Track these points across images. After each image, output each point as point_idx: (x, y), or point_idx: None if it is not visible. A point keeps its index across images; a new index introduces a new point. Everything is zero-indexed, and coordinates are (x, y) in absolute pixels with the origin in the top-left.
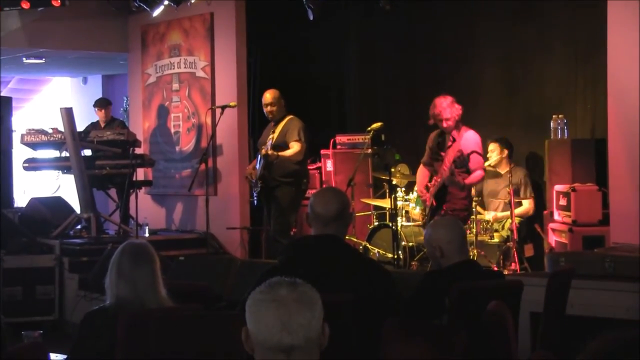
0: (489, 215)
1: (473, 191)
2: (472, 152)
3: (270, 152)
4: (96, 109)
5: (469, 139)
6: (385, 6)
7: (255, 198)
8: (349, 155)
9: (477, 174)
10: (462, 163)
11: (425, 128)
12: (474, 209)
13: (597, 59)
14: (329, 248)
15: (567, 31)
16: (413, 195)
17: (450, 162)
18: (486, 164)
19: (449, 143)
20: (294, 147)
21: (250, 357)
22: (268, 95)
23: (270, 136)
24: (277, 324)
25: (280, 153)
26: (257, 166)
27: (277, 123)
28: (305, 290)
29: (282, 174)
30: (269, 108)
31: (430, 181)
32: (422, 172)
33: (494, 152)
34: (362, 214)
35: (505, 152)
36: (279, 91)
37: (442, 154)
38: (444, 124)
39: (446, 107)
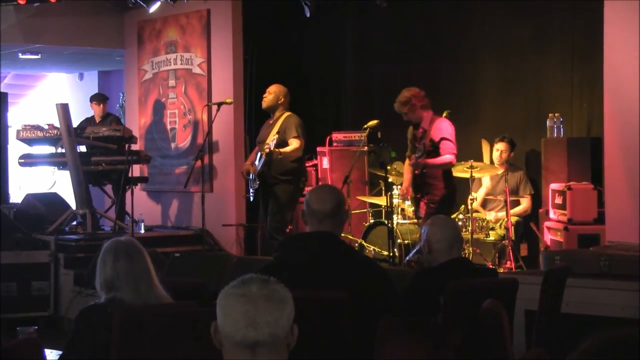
0: (489, 216)
1: (476, 195)
2: (442, 138)
3: (273, 149)
4: (93, 103)
5: (440, 127)
6: (382, 3)
7: (251, 194)
8: (345, 152)
9: (445, 158)
10: (421, 154)
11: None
12: (470, 209)
13: (593, 57)
14: (324, 245)
15: (563, 30)
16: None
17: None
18: (493, 162)
19: (420, 134)
20: (294, 144)
21: None
22: (272, 85)
23: (275, 135)
24: (243, 318)
25: (281, 150)
26: (256, 162)
27: (275, 120)
28: (276, 289)
29: (281, 171)
30: (265, 94)
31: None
32: (407, 168)
33: (505, 151)
34: (358, 211)
35: (512, 154)
36: (286, 90)
37: (418, 145)
38: (405, 118)
39: (399, 106)
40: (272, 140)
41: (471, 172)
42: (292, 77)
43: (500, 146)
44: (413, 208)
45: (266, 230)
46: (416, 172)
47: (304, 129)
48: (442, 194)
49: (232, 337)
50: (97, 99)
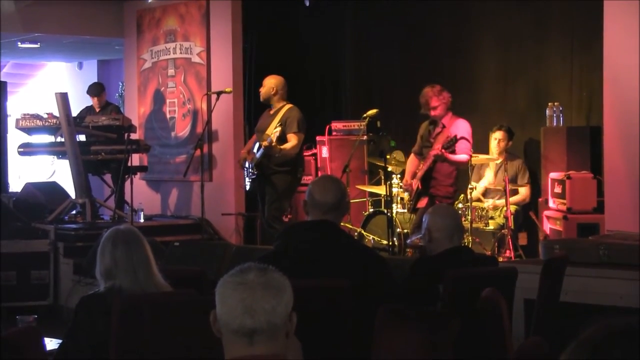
0: (487, 203)
1: (475, 185)
2: (462, 137)
3: (274, 145)
4: (90, 97)
5: (460, 126)
6: None
7: (247, 183)
8: (344, 141)
9: (461, 157)
10: (449, 144)
11: (420, 115)
12: (470, 198)
13: (593, 46)
14: (324, 234)
15: (563, 19)
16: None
17: (440, 145)
18: (491, 154)
19: (439, 129)
20: (292, 141)
21: None
22: (266, 77)
23: (277, 128)
24: (240, 306)
25: (280, 147)
26: (255, 151)
27: (276, 111)
28: (274, 277)
29: (279, 162)
30: (260, 88)
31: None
32: (412, 162)
33: (502, 140)
34: (357, 200)
35: (510, 143)
36: (280, 80)
37: (432, 140)
38: (433, 112)
39: (433, 96)
40: (274, 132)
41: (470, 160)
42: (291, 65)
43: (498, 135)
44: (411, 200)
45: (263, 219)
46: (434, 158)
47: (304, 122)
48: (445, 190)
49: (230, 325)
50: (91, 92)
